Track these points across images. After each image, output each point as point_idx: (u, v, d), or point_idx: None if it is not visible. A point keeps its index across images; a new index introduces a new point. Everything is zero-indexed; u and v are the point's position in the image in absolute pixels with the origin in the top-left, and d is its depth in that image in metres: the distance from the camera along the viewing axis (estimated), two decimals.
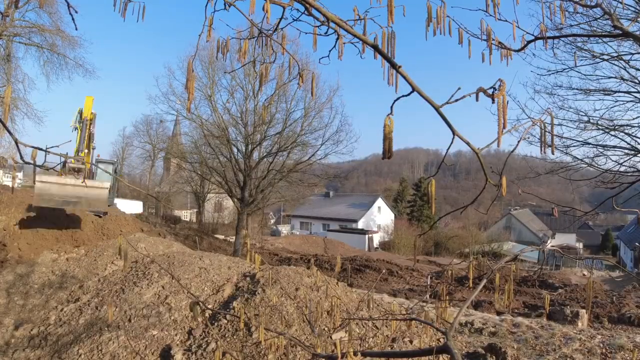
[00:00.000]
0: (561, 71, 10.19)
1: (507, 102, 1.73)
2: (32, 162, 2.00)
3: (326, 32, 2.14)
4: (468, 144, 1.71)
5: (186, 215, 46.53)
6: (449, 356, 1.60)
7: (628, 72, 9.90)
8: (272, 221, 55.33)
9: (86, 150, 12.52)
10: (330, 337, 5.08)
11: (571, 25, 8.77)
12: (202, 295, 6.96)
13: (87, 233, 12.13)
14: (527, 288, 14.74)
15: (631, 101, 10.33)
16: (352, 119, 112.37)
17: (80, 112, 13.41)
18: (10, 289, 7.73)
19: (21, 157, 2.12)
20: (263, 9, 1.97)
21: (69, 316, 6.32)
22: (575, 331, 7.06)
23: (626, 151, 10.34)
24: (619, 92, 10.31)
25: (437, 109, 1.71)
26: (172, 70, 37.01)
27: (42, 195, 10.78)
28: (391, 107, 1.79)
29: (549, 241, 47.32)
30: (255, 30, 2.34)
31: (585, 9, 5.84)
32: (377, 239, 44.19)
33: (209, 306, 6.52)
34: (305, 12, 2.06)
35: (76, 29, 10.76)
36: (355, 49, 2.14)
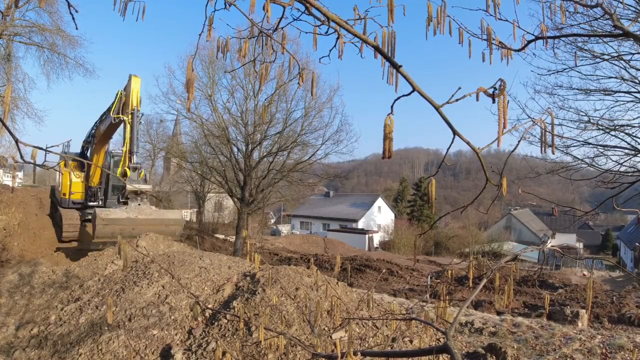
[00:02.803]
0: (561, 71, 10.19)
1: (508, 102, 1.73)
2: (32, 161, 1.99)
3: (326, 32, 2.14)
4: (468, 143, 1.71)
5: (186, 214, 46.53)
6: (449, 356, 1.60)
7: (628, 72, 9.91)
8: (272, 221, 55.32)
9: (134, 156, 10.18)
10: (330, 337, 5.08)
11: (571, 25, 8.79)
12: (202, 294, 6.96)
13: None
14: (527, 288, 14.73)
15: (631, 101, 10.33)
16: (352, 119, 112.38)
17: (120, 97, 10.52)
18: (11, 289, 7.73)
19: (21, 157, 2.12)
20: (263, 9, 1.97)
21: (69, 315, 6.32)
22: (575, 331, 7.06)
23: (626, 151, 10.34)
24: (620, 92, 10.32)
25: (437, 108, 1.71)
26: (172, 70, 36.92)
27: (105, 234, 9.62)
28: (391, 106, 1.79)
29: (549, 241, 47.30)
30: (256, 30, 2.34)
31: (585, 9, 5.83)
32: (377, 238, 44.19)
33: (209, 306, 6.52)
34: (306, 11, 2.06)
35: (76, 29, 10.73)
36: (356, 48, 2.14)
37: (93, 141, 13.10)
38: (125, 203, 10.50)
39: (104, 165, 13.53)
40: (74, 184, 13.46)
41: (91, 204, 13.46)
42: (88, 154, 13.83)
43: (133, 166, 9.99)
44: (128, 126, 10.02)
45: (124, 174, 9.89)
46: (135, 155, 10.07)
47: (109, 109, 11.28)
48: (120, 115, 10.23)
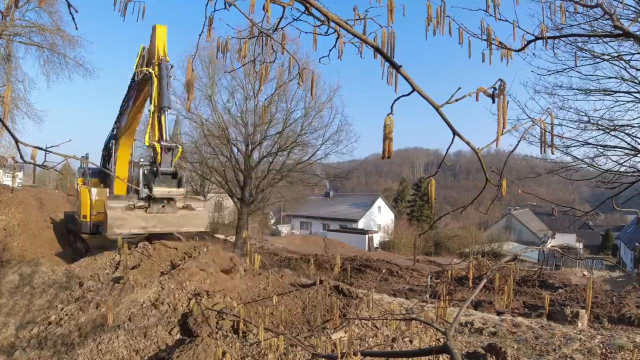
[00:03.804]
0: (561, 71, 10.20)
1: (507, 102, 1.73)
2: (32, 161, 2.00)
3: (326, 32, 2.15)
4: (468, 143, 1.71)
5: None
6: (449, 356, 1.60)
7: (628, 72, 9.92)
8: (272, 221, 55.32)
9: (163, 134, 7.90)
10: (330, 337, 5.08)
11: (571, 25, 8.79)
12: (202, 294, 6.95)
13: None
14: (527, 288, 14.73)
15: (631, 101, 10.33)
16: (352, 119, 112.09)
17: (142, 52, 8.90)
18: (12, 289, 7.73)
19: (21, 157, 2.13)
20: (263, 9, 1.97)
21: (69, 315, 6.32)
22: (575, 331, 7.06)
23: (626, 151, 10.34)
24: (619, 92, 10.32)
25: (437, 108, 1.71)
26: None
27: (117, 227, 7.96)
28: (391, 106, 1.79)
29: (549, 241, 47.30)
30: (256, 30, 2.34)
31: (585, 9, 5.84)
32: (377, 238, 44.20)
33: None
34: (306, 11, 2.06)
35: (76, 29, 10.62)
36: (356, 48, 2.15)
37: (115, 143, 11.18)
38: (148, 199, 8.13)
39: (130, 177, 11.43)
40: (95, 202, 10.94)
41: None
42: (110, 164, 11.69)
43: (166, 145, 7.62)
44: (155, 79, 7.86)
45: (153, 151, 7.75)
46: (167, 113, 7.85)
47: (129, 88, 9.79)
48: (144, 69, 8.42)
